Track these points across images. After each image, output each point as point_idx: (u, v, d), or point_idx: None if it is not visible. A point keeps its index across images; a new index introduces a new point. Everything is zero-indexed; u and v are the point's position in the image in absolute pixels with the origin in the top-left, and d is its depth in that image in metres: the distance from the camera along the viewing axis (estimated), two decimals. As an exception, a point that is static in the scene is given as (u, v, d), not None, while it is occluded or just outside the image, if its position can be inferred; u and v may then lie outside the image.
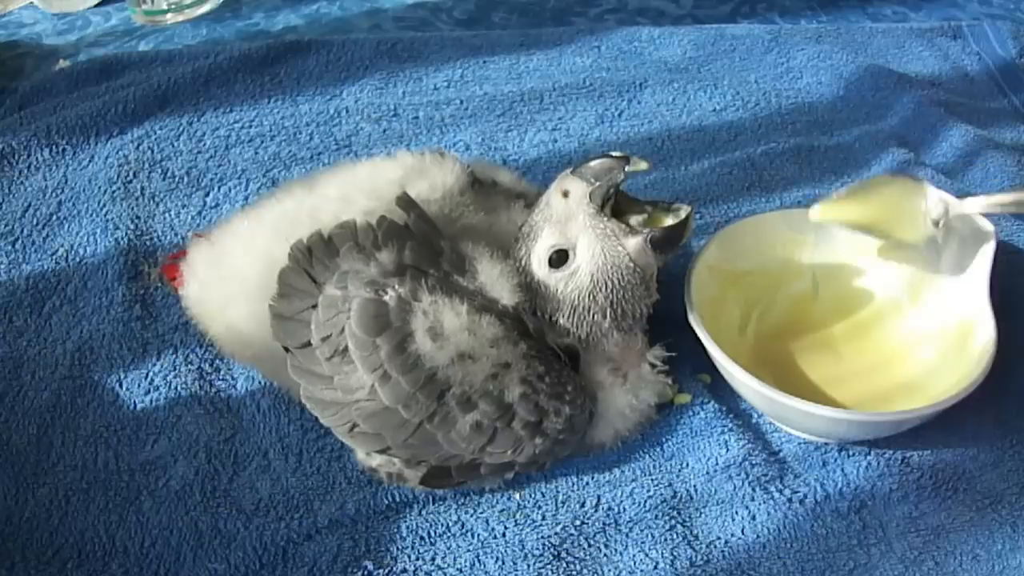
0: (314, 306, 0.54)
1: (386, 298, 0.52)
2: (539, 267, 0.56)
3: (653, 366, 0.59)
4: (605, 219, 0.55)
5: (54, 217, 0.76)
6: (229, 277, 0.60)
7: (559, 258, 0.55)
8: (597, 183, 0.55)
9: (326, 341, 0.53)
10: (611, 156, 0.55)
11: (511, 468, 0.55)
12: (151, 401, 0.63)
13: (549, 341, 0.55)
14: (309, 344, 0.54)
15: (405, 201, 0.56)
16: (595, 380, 0.57)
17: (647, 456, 0.59)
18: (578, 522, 0.56)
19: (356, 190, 0.59)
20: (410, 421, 0.52)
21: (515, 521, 0.56)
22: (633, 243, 0.55)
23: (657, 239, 0.55)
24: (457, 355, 0.51)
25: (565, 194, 0.55)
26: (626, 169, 0.54)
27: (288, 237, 0.57)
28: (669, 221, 0.56)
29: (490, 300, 0.54)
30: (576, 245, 0.55)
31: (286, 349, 0.56)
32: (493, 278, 0.55)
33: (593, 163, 0.55)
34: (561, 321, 0.56)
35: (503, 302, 0.54)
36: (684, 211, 0.56)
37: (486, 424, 0.52)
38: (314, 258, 0.55)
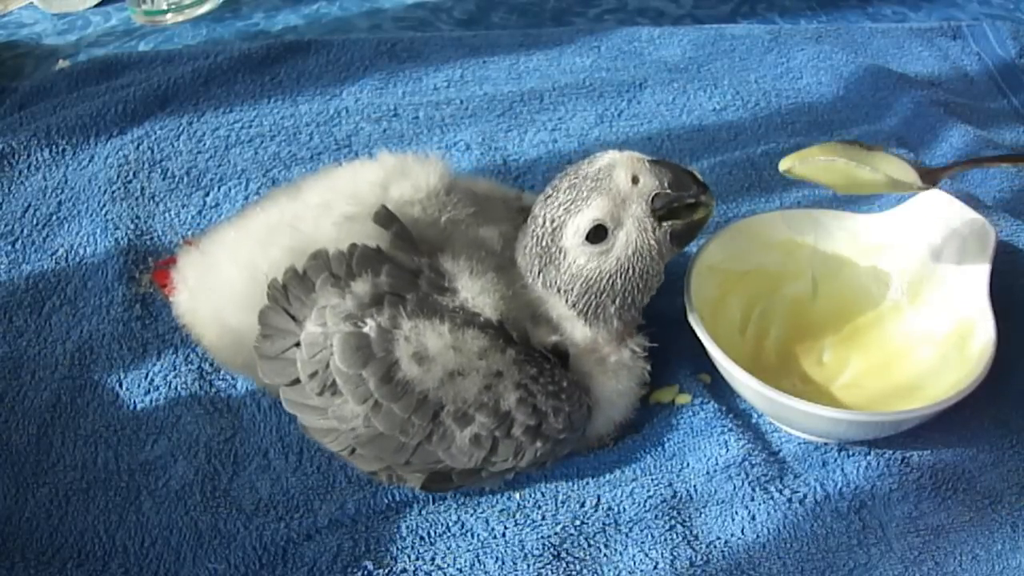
0: (297, 344, 0.54)
1: (366, 329, 0.52)
2: (573, 235, 0.54)
3: (634, 352, 0.58)
4: (651, 217, 0.54)
5: (54, 217, 0.76)
6: (217, 287, 0.60)
7: (596, 233, 0.54)
8: (668, 190, 0.53)
9: (313, 378, 0.53)
10: (694, 176, 0.54)
11: (512, 470, 0.55)
12: (151, 401, 0.63)
13: (534, 344, 0.55)
14: (298, 381, 0.54)
15: (384, 216, 0.55)
16: (583, 371, 0.57)
17: (647, 456, 0.59)
18: (578, 522, 0.56)
19: (337, 196, 0.58)
20: (408, 443, 0.52)
21: (515, 521, 0.56)
22: (658, 235, 0.54)
23: (678, 232, 0.55)
24: (446, 375, 0.51)
25: (635, 180, 0.53)
26: (700, 199, 0.54)
27: (271, 246, 0.56)
28: (689, 216, 0.55)
29: (472, 314, 0.53)
30: (618, 228, 0.54)
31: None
32: (475, 293, 0.54)
33: (675, 171, 0.54)
34: (568, 298, 0.55)
35: (485, 316, 0.54)
36: (702, 209, 0.55)
37: (485, 436, 0.52)
38: (291, 295, 0.54)
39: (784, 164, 0.57)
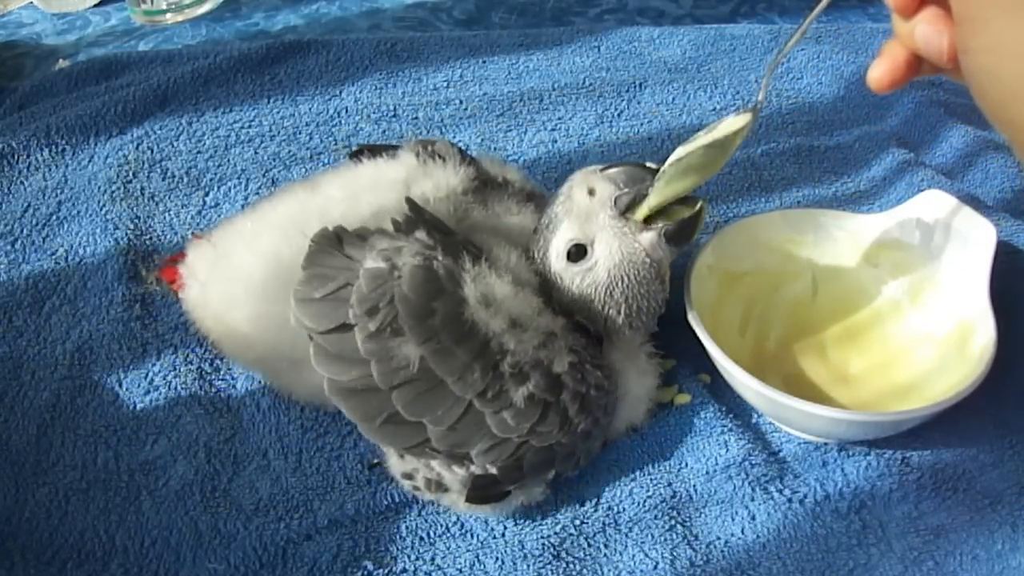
0: (348, 285, 0.52)
1: (435, 266, 0.51)
2: (557, 260, 0.56)
3: (651, 355, 0.59)
4: (624, 220, 0.55)
5: (54, 217, 0.76)
6: (233, 279, 0.59)
7: (577, 252, 0.55)
8: (625, 189, 0.54)
9: (372, 315, 0.50)
10: (645, 166, 0.55)
11: (551, 465, 0.53)
12: (151, 401, 0.63)
13: (578, 318, 0.56)
14: (341, 327, 0.51)
15: (410, 204, 0.55)
16: (612, 366, 0.57)
17: (647, 456, 0.59)
18: (578, 522, 0.56)
19: (362, 190, 0.59)
20: (460, 399, 0.50)
21: (515, 521, 0.56)
22: (647, 238, 0.55)
23: (671, 233, 0.55)
24: (509, 322, 0.51)
25: (591, 192, 0.55)
26: (658, 184, 0.54)
27: (296, 237, 0.56)
28: (683, 214, 0.55)
29: (523, 278, 0.54)
30: (594, 241, 0.55)
31: (310, 337, 0.53)
32: (511, 264, 0.55)
33: (626, 168, 0.55)
34: (579, 317, 0.56)
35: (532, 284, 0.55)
36: (697, 203, 0.55)
37: (537, 396, 0.51)
38: (345, 242, 0.53)
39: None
